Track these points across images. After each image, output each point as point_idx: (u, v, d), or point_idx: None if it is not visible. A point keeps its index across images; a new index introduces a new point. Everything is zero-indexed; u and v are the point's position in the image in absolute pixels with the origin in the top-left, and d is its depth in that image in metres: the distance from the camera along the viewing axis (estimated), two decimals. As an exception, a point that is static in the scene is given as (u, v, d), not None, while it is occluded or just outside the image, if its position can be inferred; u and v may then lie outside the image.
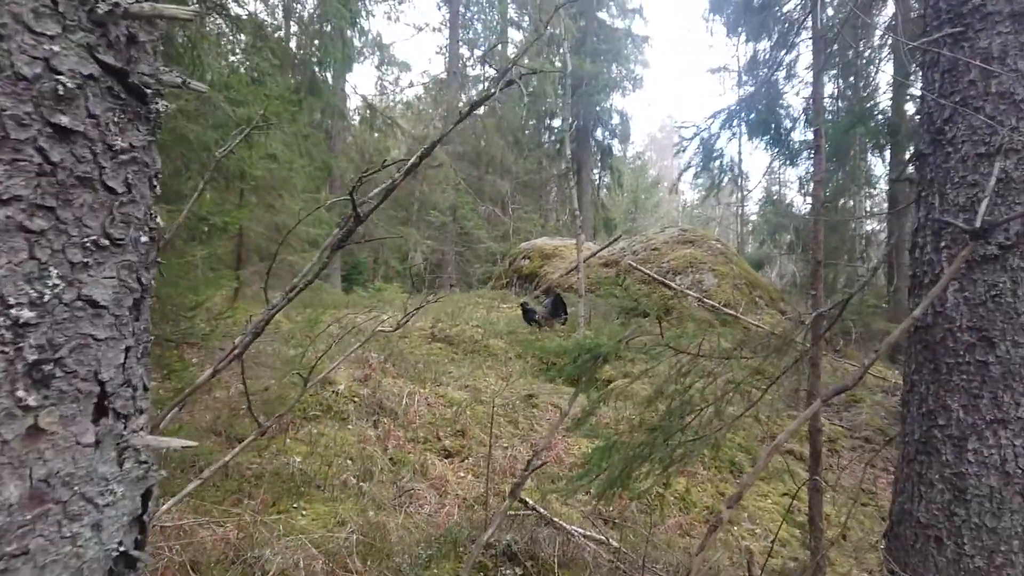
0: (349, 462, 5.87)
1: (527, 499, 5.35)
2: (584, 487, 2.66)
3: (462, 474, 6.26)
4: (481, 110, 29.84)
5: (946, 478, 2.45)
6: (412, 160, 2.05)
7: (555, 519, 4.66)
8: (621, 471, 2.39)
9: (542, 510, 5.05)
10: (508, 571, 3.90)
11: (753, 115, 6.75)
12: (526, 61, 27.38)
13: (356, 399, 7.22)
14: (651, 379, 2.72)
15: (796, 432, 8.99)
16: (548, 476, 6.42)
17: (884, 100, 17.73)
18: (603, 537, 4.63)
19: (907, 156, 17.92)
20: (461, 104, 29.55)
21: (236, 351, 2.26)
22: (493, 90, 1.92)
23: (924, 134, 2.66)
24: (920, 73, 2.69)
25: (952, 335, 2.49)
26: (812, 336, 2.98)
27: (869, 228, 23.06)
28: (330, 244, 2.16)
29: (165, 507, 2.76)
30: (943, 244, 2.54)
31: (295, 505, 4.89)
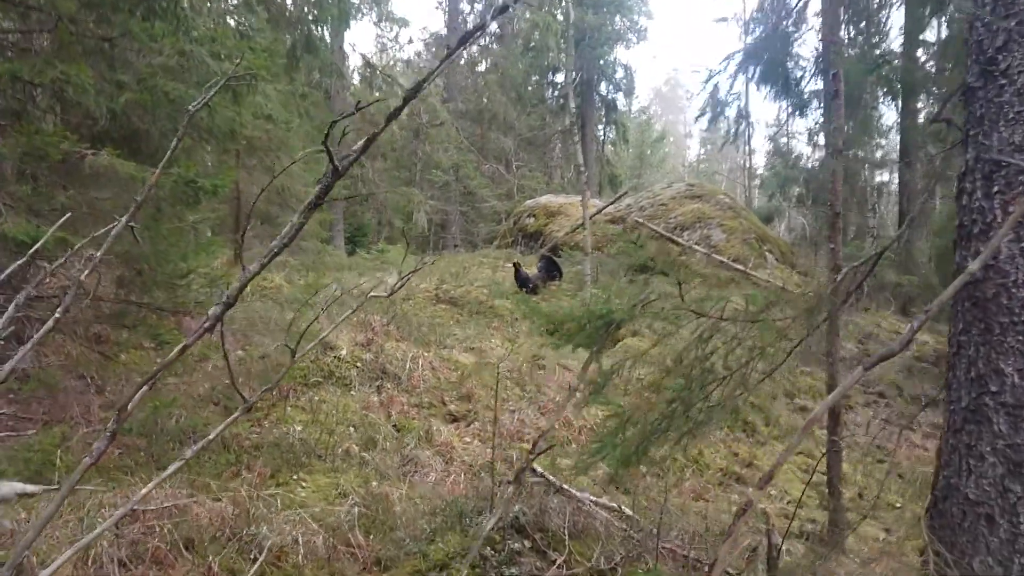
0: (352, 430, 5.70)
1: (535, 466, 5.18)
2: (597, 463, 2.45)
3: (468, 439, 6.09)
4: (482, 66, 29.29)
5: (999, 450, 2.23)
6: (397, 105, 1.81)
7: (565, 486, 4.47)
8: (638, 446, 2.18)
9: (551, 477, 4.87)
10: (516, 544, 3.72)
11: (762, 64, 6.43)
12: (527, 15, 26.78)
13: (359, 364, 7.03)
14: (668, 344, 2.51)
15: (812, 390, 8.78)
16: (558, 440, 6.24)
17: (896, 44, 17.25)
18: (614, 504, 4.45)
19: (920, 105, 17.46)
20: (463, 61, 29.03)
21: (208, 323, 2.04)
22: (486, 20, 1.67)
23: (972, 65, 2.37)
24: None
25: (1006, 291, 2.24)
26: (837, 293, 2.74)
27: (880, 179, 22.67)
28: (306, 204, 1.92)
29: (144, 491, 2.57)
30: (996, 189, 2.28)
31: (295, 477, 4.72)
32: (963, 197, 2.34)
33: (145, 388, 2.11)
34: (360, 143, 1.99)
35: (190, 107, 2.78)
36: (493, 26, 28.95)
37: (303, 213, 1.91)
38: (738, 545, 1.72)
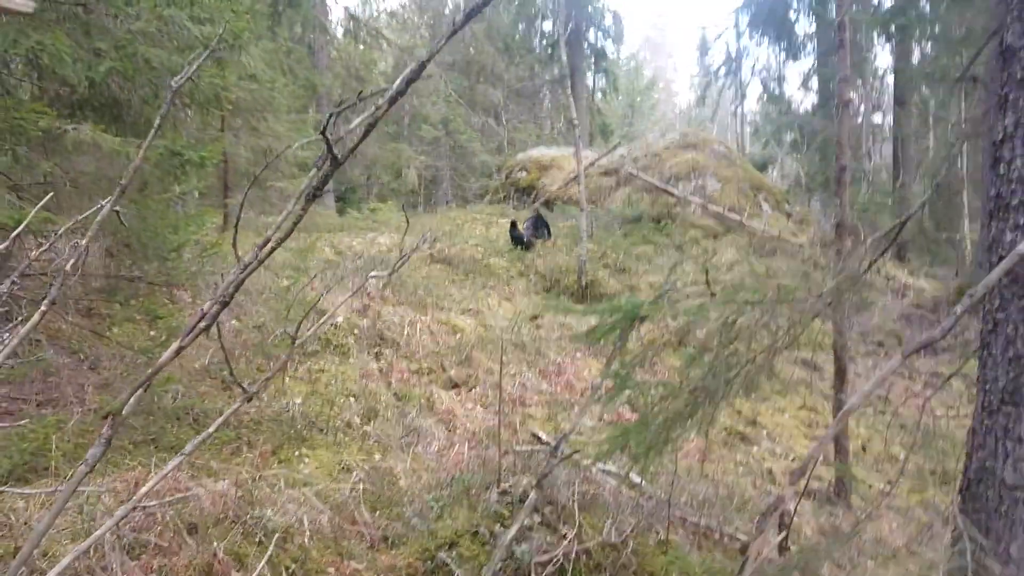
0: (352, 400, 5.63)
1: (541, 434, 5.13)
2: (616, 451, 2.37)
3: (470, 405, 6.03)
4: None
5: (1039, 433, 2.15)
6: (397, 86, 1.67)
7: (572, 454, 4.40)
8: (662, 435, 2.09)
9: (578, 451, 4.81)
10: (526, 520, 3.66)
11: (766, 9, 6.18)
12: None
13: (356, 331, 6.94)
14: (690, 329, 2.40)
15: (813, 342, 8.76)
16: (560, 404, 6.20)
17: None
18: (622, 472, 4.40)
19: (913, 45, 17.18)
20: (448, 11, 28.40)
21: (203, 323, 1.92)
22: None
23: (1014, 23, 2.22)
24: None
25: (1049, 267, 2.12)
26: (860, 263, 2.63)
27: (874, 121, 22.44)
28: (305, 193, 1.79)
29: (145, 488, 2.48)
30: (1038, 157, 2.15)
31: (297, 453, 4.64)
32: (1000, 166, 2.20)
33: (140, 391, 1.99)
34: (359, 119, 1.85)
35: (173, 82, 2.61)
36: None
37: (302, 204, 1.78)
38: (768, 543, 1.65)
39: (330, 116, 1.49)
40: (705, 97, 25.75)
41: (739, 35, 19.23)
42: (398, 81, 1.76)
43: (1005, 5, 2.18)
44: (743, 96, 28.45)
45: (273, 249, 1.84)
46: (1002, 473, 2.19)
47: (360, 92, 1.45)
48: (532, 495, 2.75)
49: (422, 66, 1.58)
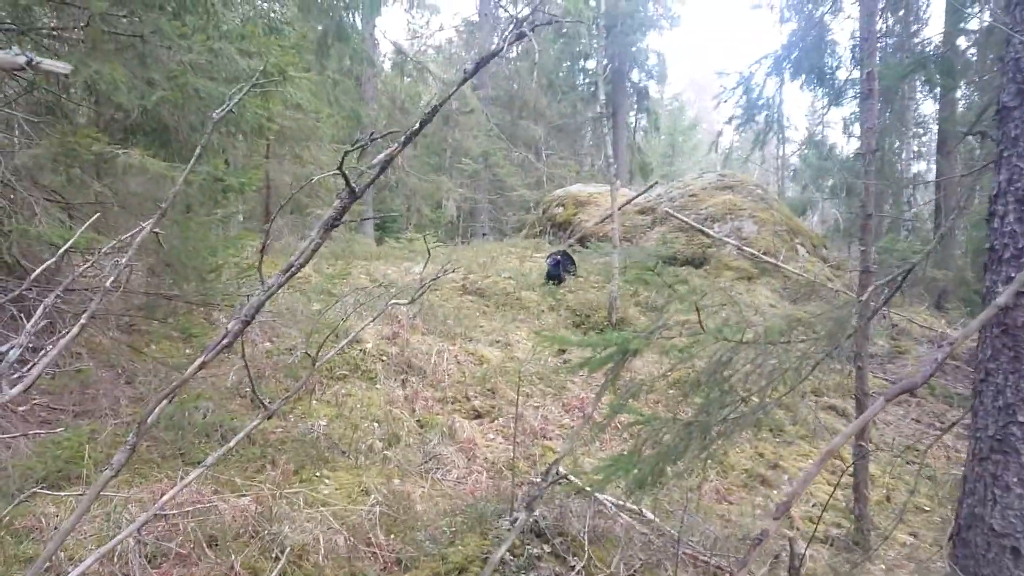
0: (376, 425, 5.74)
1: (559, 468, 5.17)
2: (611, 481, 2.43)
3: (491, 436, 6.11)
4: (513, 52, 29.11)
5: (1025, 481, 2.18)
6: (411, 129, 1.80)
7: (586, 487, 4.45)
8: (653, 467, 2.15)
9: (574, 478, 4.87)
10: (536, 549, 3.72)
11: (796, 54, 6.27)
12: (559, 0, 26.53)
13: (384, 358, 7.07)
14: (686, 365, 2.46)
15: (840, 388, 8.67)
16: (580, 438, 6.23)
17: (934, 33, 16.89)
18: (636, 507, 4.44)
19: (960, 95, 17.11)
20: (494, 47, 28.80)
21: (226, 340, 2.06)
22: (501, 45, 1.66)
23: (1009, 84, 2.29)
24: (1007, 10, 2.31)
25: (1037, 320, 2.17)
26: (864, 310, 2.68)
27: (916, 169, 22.27)
28: (323, 224, 1.92)
29: (165, 497, 2.61)
30: (1029, 213, 2.21)
31: (318, 474, 4.76)
32: (994, 220, 2.26)
33: (165, 402, 2.13)
34: (380, 157, 1.98)
35: (214, 114, 2.79)
36: (524, 11, 28.68)
37: (320, 233, 1.91)
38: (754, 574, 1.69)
39: (345, 153, 1.62)
40: (755, 144, 25.74)
41: (780, 80, 19.28)
42: (412, 129, 1.89)
43: (1002, 66, 2.26)
44: (784, 140, 28.42)
45: (293, 274, 1.97)
46: (990, 520, 2.22)
47: (371, 134, 1.58)
48: (521, 516, 2.83)
49: (434, 111, 1.71)
